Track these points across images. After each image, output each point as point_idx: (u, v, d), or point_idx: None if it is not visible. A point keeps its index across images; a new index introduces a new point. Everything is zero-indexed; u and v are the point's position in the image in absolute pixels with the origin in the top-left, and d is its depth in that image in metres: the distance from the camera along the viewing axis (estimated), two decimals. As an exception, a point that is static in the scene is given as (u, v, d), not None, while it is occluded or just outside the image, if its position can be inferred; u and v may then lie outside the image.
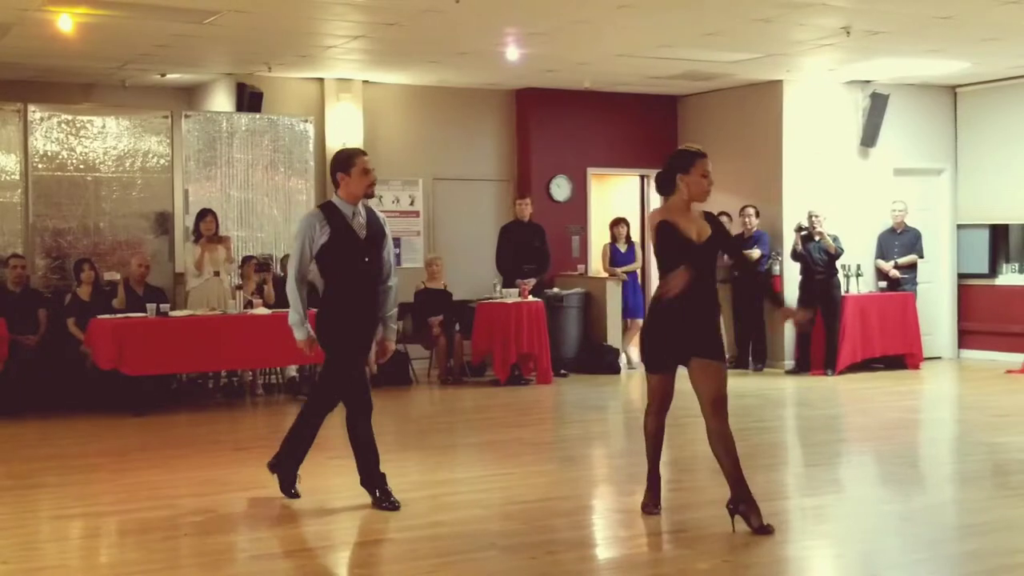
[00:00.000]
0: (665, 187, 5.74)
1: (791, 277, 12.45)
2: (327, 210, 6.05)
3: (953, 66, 11.97)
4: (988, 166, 13.28)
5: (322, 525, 5.91)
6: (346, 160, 6.00)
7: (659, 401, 5.76)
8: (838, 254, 12.02)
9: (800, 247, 12.09)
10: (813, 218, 12.07)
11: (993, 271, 13.41)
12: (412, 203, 13.12)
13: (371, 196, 6.11)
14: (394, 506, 5.99)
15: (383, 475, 6.14)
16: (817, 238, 12.02)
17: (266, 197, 11.90)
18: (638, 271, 13.32)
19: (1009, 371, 11.97)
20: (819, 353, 12.09)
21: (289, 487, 6.34)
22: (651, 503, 5.86)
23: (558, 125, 13.51)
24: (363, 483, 6.17)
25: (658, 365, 5.66)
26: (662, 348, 5.59)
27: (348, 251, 6.01)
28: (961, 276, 13.61)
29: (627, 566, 5.19)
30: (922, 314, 12.74)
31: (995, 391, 10.87)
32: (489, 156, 13.53)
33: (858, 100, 13.00)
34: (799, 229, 12.12)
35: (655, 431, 5.83)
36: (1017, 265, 13.38)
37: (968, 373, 12.42)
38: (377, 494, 6.08)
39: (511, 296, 11.63)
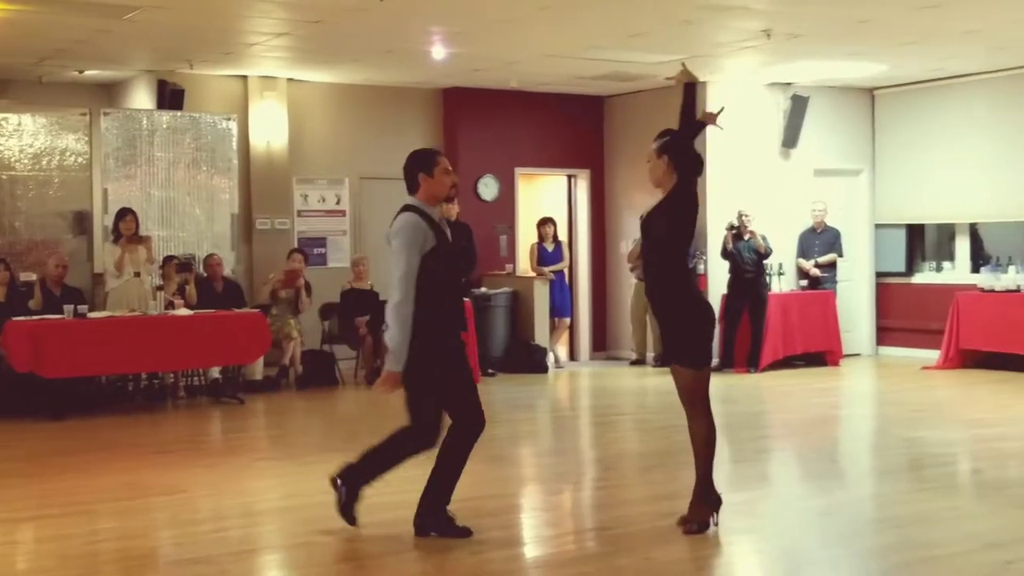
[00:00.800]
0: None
1: (716, 276, 12.58)
2: (421, 214, 5.46)
3: (871, 69, 12.20)
4: (905, 167, 13.55)
5: (246, 528, 5.84)
6: (428, 159, 5.51)
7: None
8: (767, 253, 12.20)
9: (730, 246, 12.23)
10: (743, 217, 12.22)
11: (910, 270, 13.70)
12: (338, 202, 13.03)
13: (452, 199, 5.74)
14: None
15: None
16: (747, 237, 12.17)
17: (188, 196, 11.73)
18: (565, 270, 13.38)
19: (925, 367, 12.23)
20: (743, 351, 12.24)
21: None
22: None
23: (486, 125, 13.51)
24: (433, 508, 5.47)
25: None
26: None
27: (450, 260, 5.52)
28: (879, 275, 13.88)
29: (553, 564, 5.21)
30: (842, 312, 12.97)
31: (912, 387, 11.09)
32: (416, 155, 13.46)
33: (779, 102, 13.19)
34: (731, 228, 12.26)
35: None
36: (933, 264, 13.68)
37: (886, 370, 12.66)
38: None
39: (438, 296, 11.58)
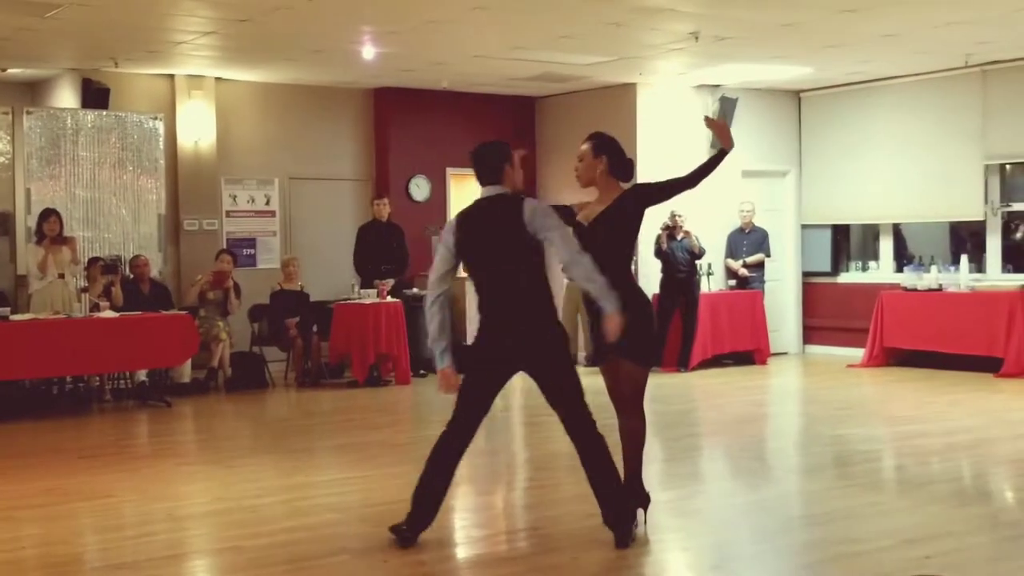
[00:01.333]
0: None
1: (648, 275, 12.67)
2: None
3: (796, 72, 12.38)
4: (830, 168, 13.78)
5: (172, 533, 5.76)
6: (507, 150, 5.41)
7: None
8: (701, 253, 12.33)
9: (664, 245, 12.33)
10: (676, 217, 12.32)
11: (835, 269, 13.93)
12: (268, 203, 12.91)
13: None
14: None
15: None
16: (681, 237, 12.27)
17: (114, 197, 11.55)
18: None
19: (850, 365, 12.43)
20: (673, 350, 12.34)
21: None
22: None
23: (417, 125, 13.47)
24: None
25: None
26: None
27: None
28: (805, 274, 14.09)
29: (483, 565, 5.22)
30: (769, 311, 13.14)
31: (838, 385, 11.27)
32: (347, 156, 13.41)
33: (708, 104, 13.32)
34: (665, 228, 12.35)
35: None
36: (859, 263, 13.92)
37: (812, 368, 12.86)
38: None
39: (369, 297, 11.55)
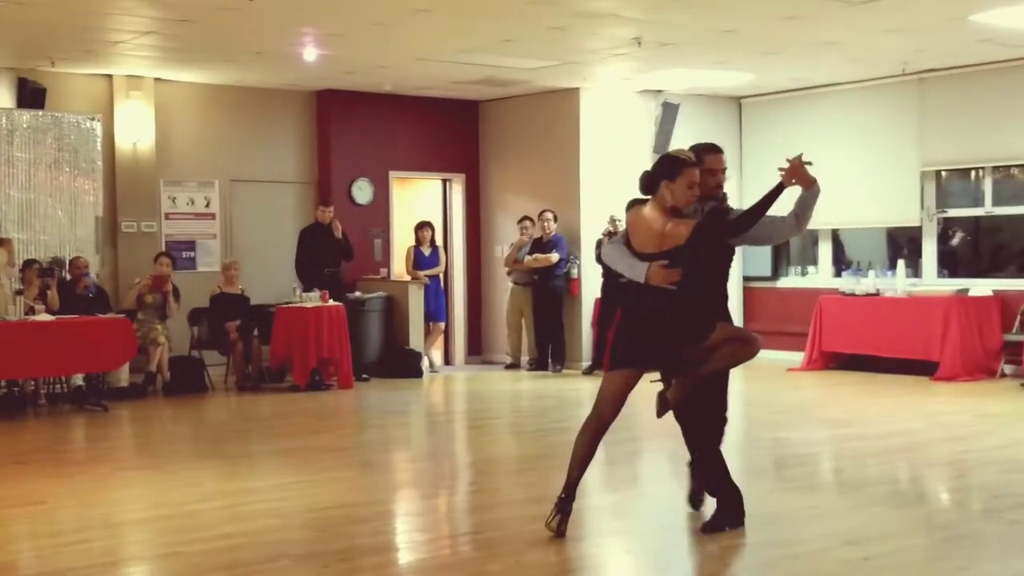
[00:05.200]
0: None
1: (590, 279, 12.74)
2: None
3: (738, 78, 12.51)
4: (770, 173, 13.75)
5: (109, 540, 5.68)
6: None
7: None
8: None
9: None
10: (616, 222, 12.35)
11: (775, 274, 14.07)
12: (208, 205, 12.78)
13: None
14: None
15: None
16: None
17: (50, 198, 11.36)
18: (440, 275, 13.37)
19: (790, 369, 12.58)
20: (614, 354, 12.35)
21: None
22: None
23: (359, 127, 13.41)
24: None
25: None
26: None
27: None
28: (746, 279, 14.21)
29: (425, 570, 5.19)
30: (711, 315, 13.19)
31: (777, 388, 11.40)
32: (289, 158, 13.31)
33: (651, 109, 13.41)
34: (605, 233, 12.40)
35: None
36: (798, 268, 14.08)
37: (752, 371, 12.88)
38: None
39: (311, 300, 11.48)
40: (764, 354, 13.67)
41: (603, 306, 12.46)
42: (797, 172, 5.72)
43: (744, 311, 14.20)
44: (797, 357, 12.79)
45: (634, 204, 5.65)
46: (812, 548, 5.30)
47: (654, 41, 10.23)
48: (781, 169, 5.66)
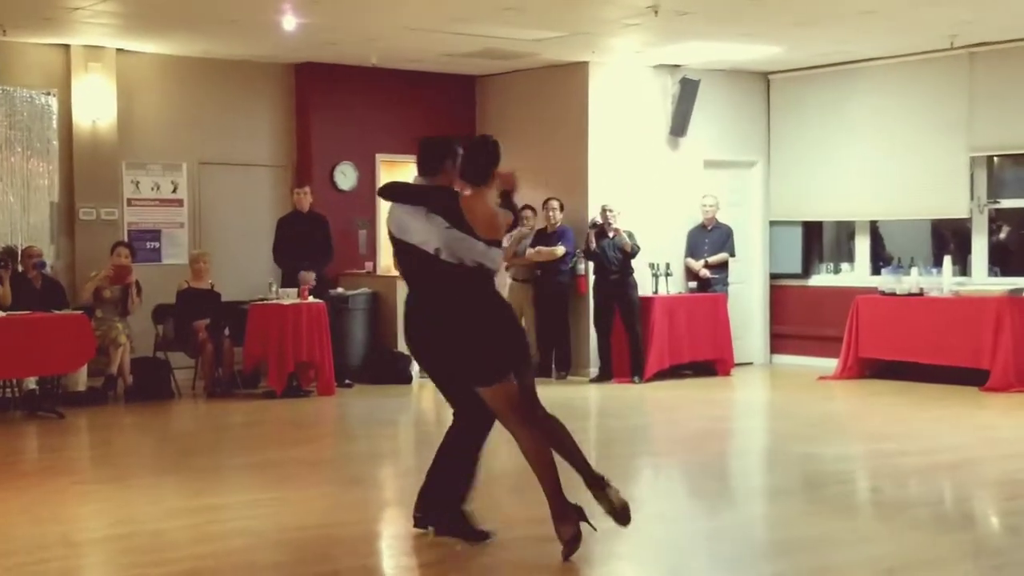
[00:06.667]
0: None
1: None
2: None
3: (765, 51, 12.50)
4: (801, 159, 13.89)
5: (65, 560, 5.69)
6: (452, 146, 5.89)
7: None
8: (634, 252, 12.31)
9: (593, 245, 12.35)
10: (607, 213, 12.35)
11: (806, 271, 14.06)
12: (175, 190, 12.79)
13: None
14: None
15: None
16: (611, 235, 12.29)
17: (0, 181, 11.38)
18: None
19: (822, 377, 12.56)
20: (622, 359, 12.39)
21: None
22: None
23: (343, 106, 13.41)
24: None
25: None
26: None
27: None
28: (773, 276, 14.20)
29: (414, 597, 5.20)
30: (733, 317, 13.21)
31: (807, 399, 11.39)
32: (264, 139, 13.32)
33: (667, 86, 13.39)
34: (593, 226, 12.40)
35: None
36: (831, 265, 14.07)
37: (780, 380, 12.99)
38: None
39: (288, 297, 11.48)
40: (794, 361, 13.92)
41: (597, 305, 12.49)
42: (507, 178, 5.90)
43: (771, 312, 14.21)
44: (830, 364, 12.77)
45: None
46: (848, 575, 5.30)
47: (672, 10, 10.22)
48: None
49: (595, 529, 5.58)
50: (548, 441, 5.68)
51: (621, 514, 5.54)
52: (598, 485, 5.59)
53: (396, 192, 5.79)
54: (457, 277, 5.55)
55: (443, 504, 5.83)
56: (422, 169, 5.83)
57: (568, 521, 5.54)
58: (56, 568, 5.55)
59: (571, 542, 5.50)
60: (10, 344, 9.72)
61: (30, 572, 5.45)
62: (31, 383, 10.48)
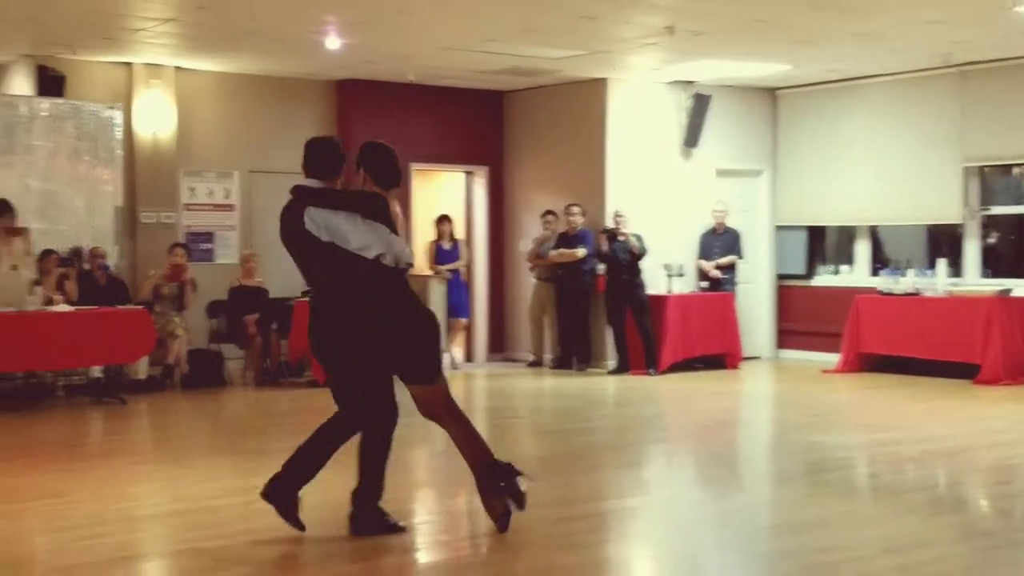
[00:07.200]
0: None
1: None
2: None
3: (772, 68, 12.43)
4: (805, 168, 13.84)
5: (125, 535, 5.70)
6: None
7: None
8: (641, 254, 12.29)
9: (604, 247, 12.34)
10: (617, 218, 12.35)
11: (810, 272, 13.99)
12: (227, 196, 12.82)
13: None
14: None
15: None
16: (621, 238, 12.27)
17: (69, 188, 11.42)
18: (462, 270, 13.36)
19: (825, 371, 12.49)
20: (638, 353, 12.35)
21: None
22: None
23: (381, 118, 13.39)
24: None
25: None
26: None
27: None
28: (780, 277, 14.14)
29: (446, 570, 5.18)
30: (741, 314, 13.17)
31: (811, 391, 11.31)
32: (309, 149, 13.30)
33: (681, 100, 13.34)
34: (604, 230, 12.39)
35: None
36: (833, 267, 14.00)
37: (786, 373, 12.91)
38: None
39: (331, 294, 11.46)
40: (798, 355, 13.84)
41: (609, 304, 12.45)
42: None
43: (777, 310, 14.14)
44: (832, 358, 12.70)
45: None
46: (849, 556, 5.24)
47: (687, 30, 10.17)
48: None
49: (532, 480, 5.58)
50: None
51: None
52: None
53: (327, 197, 5.42)
54: (384, 278, 5.33)
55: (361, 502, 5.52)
56: (315, 171, 5.49)
57: (499, 496, 5.50)
58: (113, 542, 5.54)
59: (504, 516, 5.48)
60: (77, 336, 9.77)
61: (89, 545, 5.46)
62: (96, 372, 10.53)
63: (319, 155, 5.53)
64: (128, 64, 12.00)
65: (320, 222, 5.34)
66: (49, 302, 10.02)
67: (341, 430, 5.67)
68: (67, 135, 11.44)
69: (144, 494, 6.62)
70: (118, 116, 11.75)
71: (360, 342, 5.41)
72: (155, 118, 12.14)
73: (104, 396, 10.25)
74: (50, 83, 11.43)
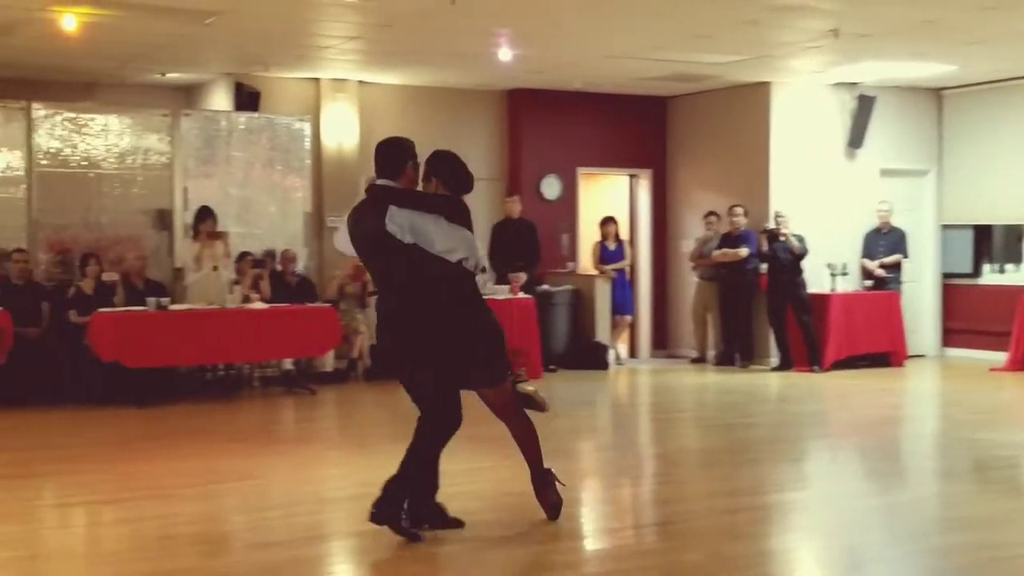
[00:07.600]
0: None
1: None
2: None
3: (938, 69, 11.98)
4: (971, 167, 13.31)
5: (317, 515, 5.89)
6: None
7: None
8: (802, 254, 12.02)
9: (765, 247, 12.12)
10: (778, 219, 12.12)
11: (976, 271, 13.45)
12: (406, 201, 13.05)
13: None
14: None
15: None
16: (781, 238, 12.02)
17: (263, 195, 11.85)
18: (627, 269, 13.32)
19: (993, 369, 11.97)
20: (801, 350, 12.09)
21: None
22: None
23: (549, 125, 13.48)
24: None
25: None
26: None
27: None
28: (945, 276, 13.64)
29: (615, 557, 5.18)
30: (906, 313, 12.75)
31: (978, 389, 10.87)
32: (481, 155, 13.46)
33: (845, 102, 12.99)
34: (764, 231, 12.16)
35: None
36: (999, 266, 13.41)
37: (951, 371, 12.44)
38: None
39: (502, 293, 11.60)
40: (964, 353, 13.33)
41: (770, 302, 12.20)
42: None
43: (943, 308, 13.64)
44: (999, 357, 12.17)
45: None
46: (1017, 552, 5.03)
47: (852, 32, 9.90)
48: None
49: (564, 485, 5.60)
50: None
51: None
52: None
53: (413, 199, 5.24)
54: (462, 281, 5.23)
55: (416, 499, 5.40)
56: (385, 171, 5.33)
57: (551, 487, 5.54)
58: (307, 521, 5.74)
59: (555, 506, 5.51)
60: (271, 331, 10.14)
61: (283, 523, 5.68)
62: (288, 364, 10.91)
63: (381, 154, 5.41)
64: (316, 79, 12.39)
65: (403, 223, 5.12)
66: (246, 300, 10.42)
67: (435, 436, 5.60)
68: (262, 146, 11.86)
69: (332, 477, 6.82)
70: (307, 128, 12.12)
71: (437, 344, 5.27)
72: (340, 129, 12.49)
73: (295, 387, 10.61)
74: (247, 99, 11.88)
